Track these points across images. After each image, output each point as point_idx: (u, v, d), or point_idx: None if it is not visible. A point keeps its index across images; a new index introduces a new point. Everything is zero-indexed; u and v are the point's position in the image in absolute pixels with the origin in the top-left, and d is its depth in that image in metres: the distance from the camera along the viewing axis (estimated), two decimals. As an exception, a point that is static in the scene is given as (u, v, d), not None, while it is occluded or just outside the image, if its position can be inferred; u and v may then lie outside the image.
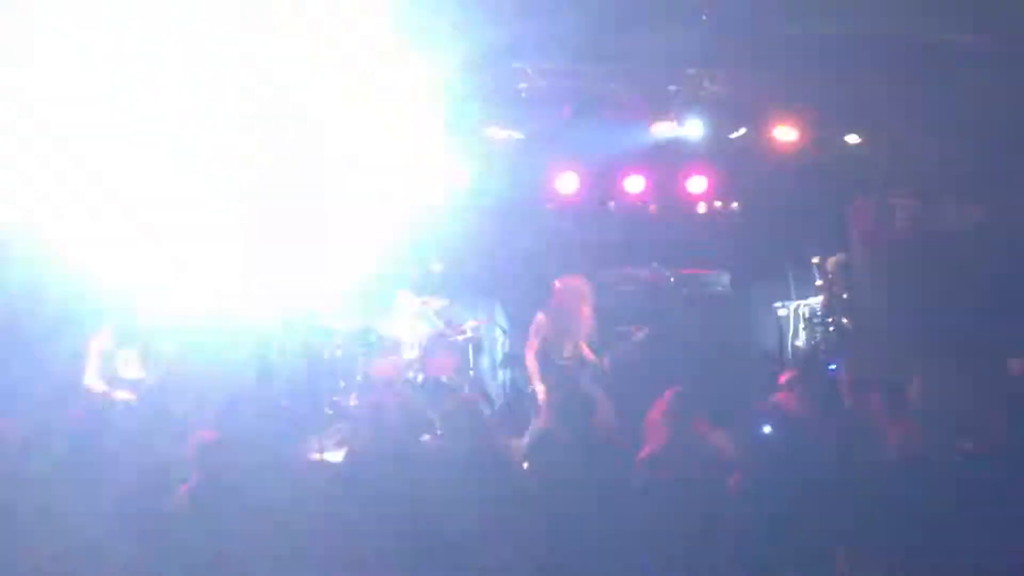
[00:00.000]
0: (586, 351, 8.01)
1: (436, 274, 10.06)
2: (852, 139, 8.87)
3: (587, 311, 8.00)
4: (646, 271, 9.66)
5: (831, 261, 8.86)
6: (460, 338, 9.44)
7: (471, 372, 9.53)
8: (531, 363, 7.88)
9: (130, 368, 7.49)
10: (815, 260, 8.85)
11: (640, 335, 8.15)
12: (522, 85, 8.15)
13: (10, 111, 6.96)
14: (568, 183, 10.04)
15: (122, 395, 7.38)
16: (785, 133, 8.86)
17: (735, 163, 9.88)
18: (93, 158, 7.34)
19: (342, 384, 9.27)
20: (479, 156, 9.82)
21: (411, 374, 9.19)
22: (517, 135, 8.22)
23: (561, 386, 6.14)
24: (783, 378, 6.81)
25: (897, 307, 8.23)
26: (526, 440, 7.57)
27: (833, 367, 9.03)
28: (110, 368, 7.45)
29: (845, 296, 8.79)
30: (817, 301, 9.19)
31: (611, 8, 7.00)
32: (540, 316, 7.95)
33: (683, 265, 9.65)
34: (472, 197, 9.90)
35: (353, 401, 9.25)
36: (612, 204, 10.53)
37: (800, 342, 9.82)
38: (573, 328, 7.92)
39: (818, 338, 9.66)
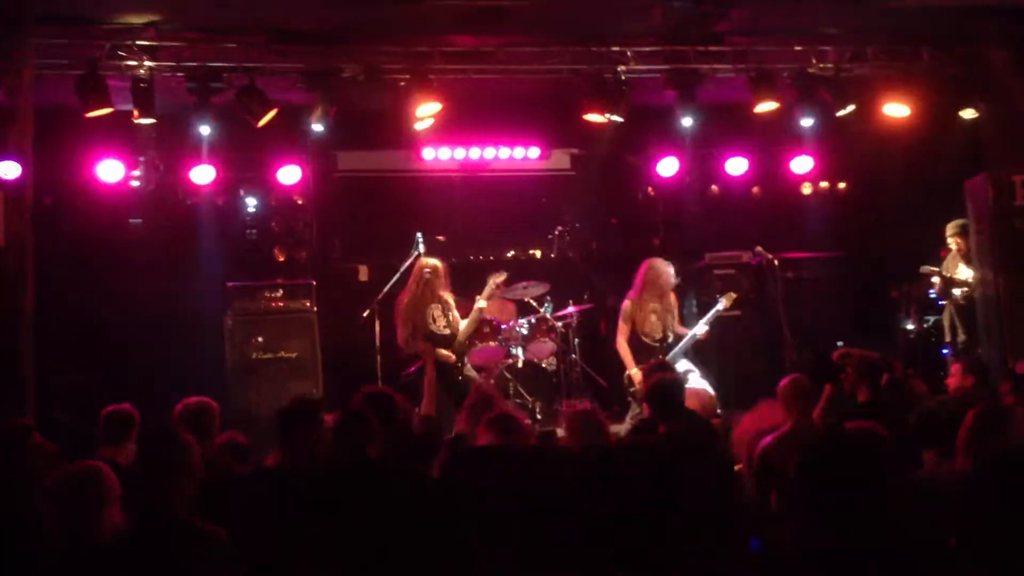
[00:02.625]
0: (678, 327, 7.96)
1: (534, 259, 10.10)
2: (967, 114, 8.51)
3: (670, 291, 7.97)
4: (748, 254, 9.50)
5: (950, 225, 8.50)
6: (560, 323, 9.44)
7: (573, 356, 9.53)
8: (623, 349, 7.87)
9: (439, 323, 7.97)
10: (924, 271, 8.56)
11: (727, 301, 8.00)
12: (621, 68, 8.07)
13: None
14: (669, 166, 9.93)
15: (442, 353, 7.88)
16: (896, 109, 8.55)
17: (842, 142, 9.61)
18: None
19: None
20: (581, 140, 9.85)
21: (510, 360, 9.23)
22: (617, 118, 8.13)
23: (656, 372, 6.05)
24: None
25: (1015, 286, 7.87)
26: (626, 426, 7.57)
27: (946, 351, 8.72)
28: (425, 324, 7.93)
29: (959, 278, 8.44)
30: (930, 283, 8.86)
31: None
32: (626, 302, 7.95)
33: (787, 248, 9.44)
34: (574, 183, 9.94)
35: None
36: (714, 186, 10.40)
37: (911, 326, 9.51)
38: (661, 308, 7.88)
39: (930, 322, 9.33)
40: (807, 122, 8.82)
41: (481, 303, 8.04)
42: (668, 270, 8.02)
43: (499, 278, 8.27)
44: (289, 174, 9.40)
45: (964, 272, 8.39)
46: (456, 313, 8.06)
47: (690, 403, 5.50)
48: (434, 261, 8.12)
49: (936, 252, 8.66)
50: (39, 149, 7.28)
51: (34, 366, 7.05)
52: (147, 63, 7.40)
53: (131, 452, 5.06)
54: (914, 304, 9.48)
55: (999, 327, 7.91)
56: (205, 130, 8.03)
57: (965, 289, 8.37)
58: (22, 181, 7.07)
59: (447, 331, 7.96)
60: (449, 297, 8.08)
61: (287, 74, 7.74)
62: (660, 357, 7.65)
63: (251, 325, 8.63)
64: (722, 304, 8.04)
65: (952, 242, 8.50)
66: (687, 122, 8.55)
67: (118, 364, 8.65)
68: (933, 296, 8.93)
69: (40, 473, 4.04)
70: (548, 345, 9.31)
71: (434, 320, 7.93)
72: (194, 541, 3.51)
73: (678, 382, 5.31)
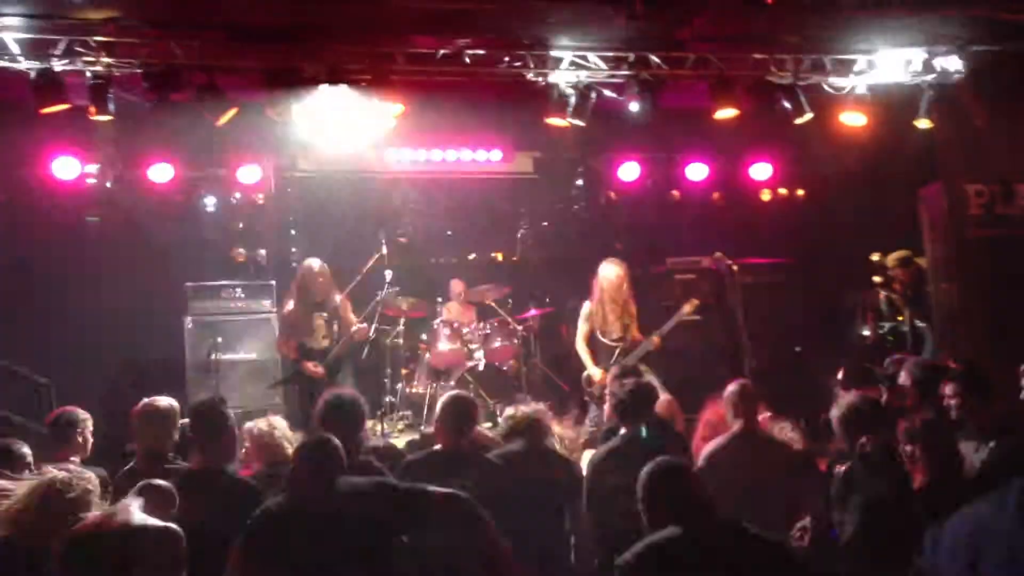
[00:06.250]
0: (636, 332, 7.99)
1: (496, 262, 10.10)
2: (923, 124, 8.65)
3: (629, 294, 7.97)
4: (708, 259, 9.58)
5: (891, 258, 8.62)
6: (520, 327, 9.45)
7: (534, 359, 9.54)
8: (582, 349, 7.89)
9: (317, 334, 7.82)
10: (874, 257, 8.62)
11: (689, 308, 8.05)
12: (584, 72, 8.09)
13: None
14: (630, 171, 9.99)
15: (310, 367, 7.67)
16: (853, 118, 8.67)
17: (800, 150, 9.73)
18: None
19: (404, 372, 9.36)
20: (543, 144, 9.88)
21: (471, 363, 9.23)
22: (579, 123, 8.15)
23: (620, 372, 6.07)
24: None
25: (970, 296, 8.01)
26: (587, 427, 7.60)
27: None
28: (299, 336, 7.77)
29: (908, 292, 8.57)
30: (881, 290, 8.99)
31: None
32: (586, 303, 7.99)
33: (746, 254, 9.53)
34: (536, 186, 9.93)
35: (416, 388, 9.36)
36: (675, 192, 10.48)
37: (867, 332, 9.64)
38: (620, 310, 7.91)
39: (886, 329, 9.47)
40: (765, 129, 8.92)
41: (359, 325, 7.93)
42: (614, 270, 7.98)
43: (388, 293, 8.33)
44: (249, 173, 9.33)
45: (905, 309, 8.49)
46: (346, 325, 7.85)
47: (661, 409, 5.53)
48: (311, 262, 7.95)
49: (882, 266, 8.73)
50: (-7, 145, 7.15)
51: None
52: (104, 59, 7.29)
53: (85, 448, 5.10)
54: (870, 311, 9.61)
55: (954, 334, 8.05)
56: (163, 128, 7.94)
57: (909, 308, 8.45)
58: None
59: (324, 343, 7.81)
60: (342, 306, 7.92)
61: (247, 72, 7.66)
62: (619, 358, 7.69)
63: (210, 325, 8.56)
64: (683, 311, 8.08)
65: (893, 275, 8.58)
66: (648, 127, 8.59)
67: (75, 364, 8.53)
68: (884, 305, 9.05)
69: None
70: (510, 348, 9.32)
71: (312, 331, 7.79)
72: (148, 539, 3.56)
73: (648, 386, 5.33)
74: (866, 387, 6.09)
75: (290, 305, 7.89)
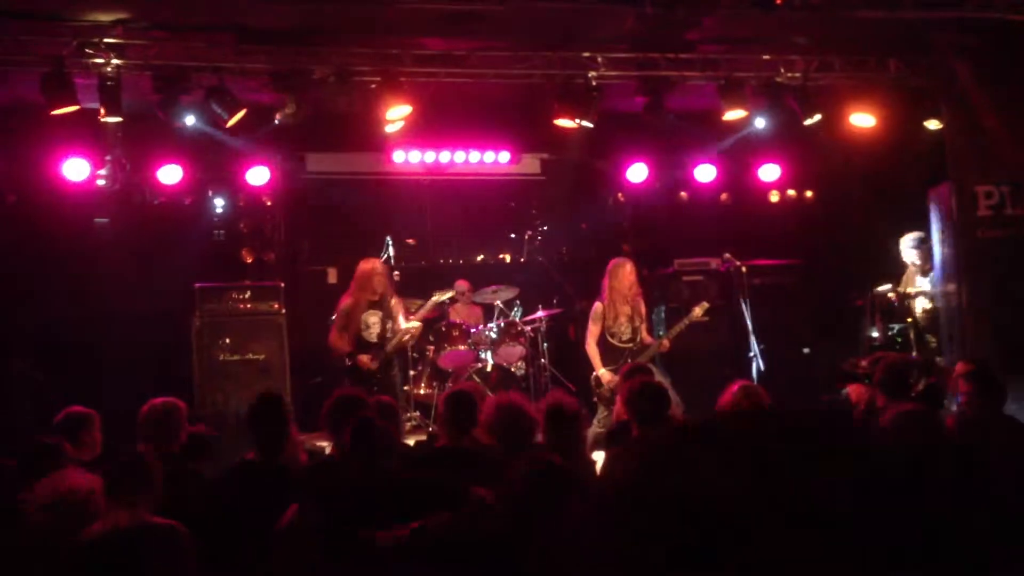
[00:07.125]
0: (645, 334, 7.99)
1: (504, 263, 10.09)
2: (932, 124, 8.63)
3: (638, 292, 7.99)
4: (717, 261, 9.57)
5: (906, 237, 8.60)
6: (529, 328, 9.45)
7: (542, 361, 9.54)
8: (592, 350, 7.90)
9: (372, 331, 7.91)
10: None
11: (699, 311, 8.05)
12: (592, 73, 8.10)
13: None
14: (639, 172, 9.99)
15: (365, 359, 7.76)
16: (862, 119, 8.66)
17: (809, 151, 9.71)
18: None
19: (412, 373, 9.36)
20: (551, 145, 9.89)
21: (479, 364, 9.23)
22: (587, 124, 8.16)
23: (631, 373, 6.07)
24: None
25: (978, 296, 7.98)
26: (595, 428, 7.59)
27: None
28: (355, 331, 7.87)
29: (917, 289, 8.54)
30: (887, 300, 8.96)
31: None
32: (596, 304, 7.98)
33: (755, 255, 9.51)
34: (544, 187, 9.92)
35: (423, 389, 9.36)
36: (683, 193, 10.48)
37: (876, 333, 9.61)
38: (631, 311, 7.92)
39: (895, 330, 9.43)
40: (774, 130, 8.91)
41: (414, 323, 8.01)
42: (625, 268, 8.00)
43: (442, 295, 8.31)
44: (258, 175, 9.35)
45: (920, 284, 8.48)
46: (399, 323, 7.97)
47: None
48: (372, 261, 8.07)
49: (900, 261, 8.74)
50: (3, 146, 7.17)
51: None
52: (114, 61, 7.32)
53: (93, 448, 5.12)
54: (879, 312, 9.57)
55: (962, 335, 8.01)
56: (173, 129, 7.96)
57: (926, 303, 8.44)
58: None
59: (377, 340, 7.91)
60: (395, 304, 8.01)
61: (256, 75, 7.69)
62: (628, 360, 7.69)
63: (218, 327, 8.57)
64: (693, 314, 8.07)
65: (905, 266, 8.57)
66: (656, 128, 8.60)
67: (83, 365, 8.55)
68: (895, 305, 9.03)
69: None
70: (517, 349, 9.32)
71: (367, 327, 7.89)
72: (155, 537, 3.59)
73: (662, 387, 5.32)
74: (852, 386, 6.17)
75: (347, 300, 7.97)
